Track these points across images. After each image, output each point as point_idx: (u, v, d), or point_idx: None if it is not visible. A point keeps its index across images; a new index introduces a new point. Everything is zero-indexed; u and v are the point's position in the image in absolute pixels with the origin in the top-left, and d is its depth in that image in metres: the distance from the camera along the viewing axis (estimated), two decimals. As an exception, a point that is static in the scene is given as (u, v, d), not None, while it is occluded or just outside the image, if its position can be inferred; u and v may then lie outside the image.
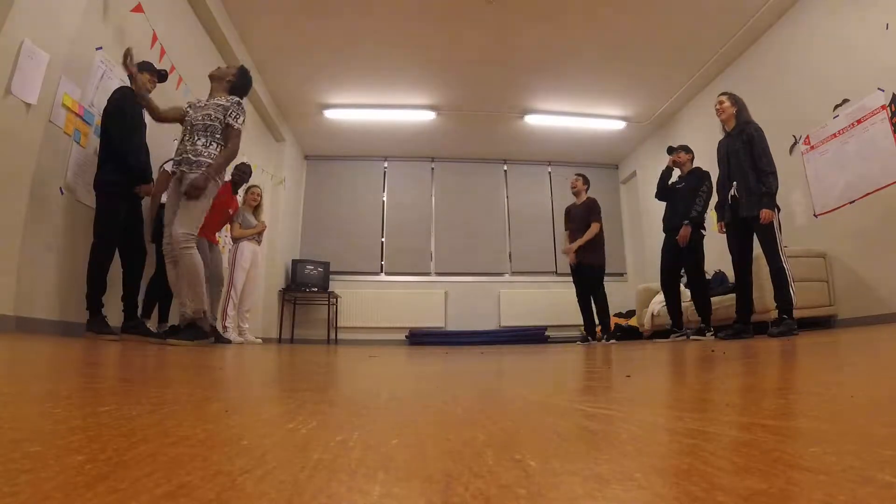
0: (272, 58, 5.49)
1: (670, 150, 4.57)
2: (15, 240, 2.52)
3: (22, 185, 2.56)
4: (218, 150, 2.99)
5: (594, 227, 4.91)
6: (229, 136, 3.03)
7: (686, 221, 4.12)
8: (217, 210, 4.39)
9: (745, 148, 3.40)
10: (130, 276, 3.15)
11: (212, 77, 3.23)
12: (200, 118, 3.01)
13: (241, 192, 4.98)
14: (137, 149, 3.03)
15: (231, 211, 4.62)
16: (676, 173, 4.51)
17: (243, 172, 4.68)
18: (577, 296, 5.01)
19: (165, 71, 3.48)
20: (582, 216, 5.02)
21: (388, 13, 4.79)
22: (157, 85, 3.39)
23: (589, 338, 4.94)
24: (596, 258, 4.90)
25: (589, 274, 4.90)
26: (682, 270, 4.32)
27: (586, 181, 5.17)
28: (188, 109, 3.11)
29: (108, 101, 3.03)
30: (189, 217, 2.83)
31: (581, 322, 5.18)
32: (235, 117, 3.06)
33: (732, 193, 3.49)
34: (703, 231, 4.22)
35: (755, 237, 3.41)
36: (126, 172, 2.97)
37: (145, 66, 3.28)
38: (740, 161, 3.42)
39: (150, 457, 0.32)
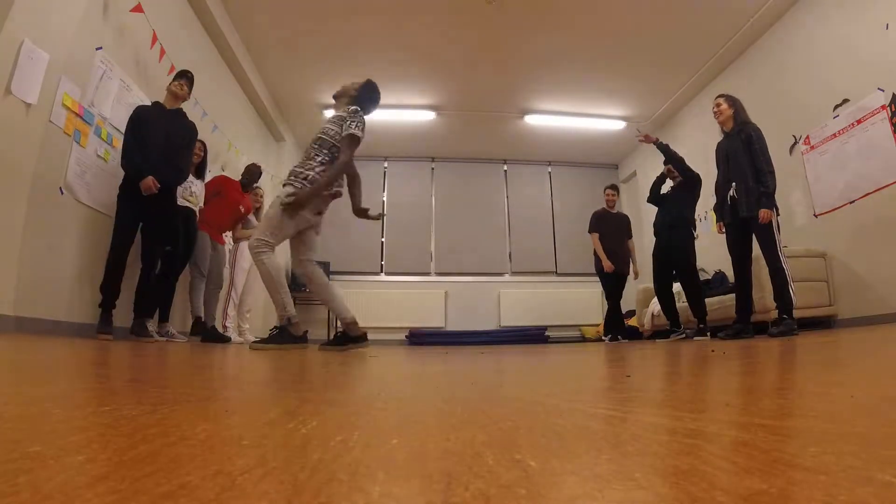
0: (272, 57, 5.49)
1: (667, 162, 4.78)
2: (15, 240, 2.52)
3: (22, 185, 2.56)
4: (321, 161, 2.78)
5: (633, 244, 5.34)
6: (344, 145, 2.78)
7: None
8: (230, 208, 4.41)
9: (744, 148, 3.41)
10: (142, 278, 3.28)
11: (336, 97, 3.03)
12: (316, 132, 2.87)
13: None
14: (132, 152, 3.09)
15: (243, 209, 4.64)
16: (668, 184, 4.79)
17: (252, 173, 4.69)
18: (609, 298, 5.24)
19: (184, 70, 3.52)
20: (617, 227, 5.30)
21: (388, 13, 4.79)
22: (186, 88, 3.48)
23: (619, 336, 5.09)
24: (628, 269, 5.25)
25: (620, 282, 5.19)
26: (675, 272, 4.51)
27: (618, 191, 5.56)
28: None
29: None
30: (267, 224, 2.72)
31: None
32: (355, 125, 2.78)
33: (731, 194, 3.49)
34: (694, 232, 4.45)
35: (754, 237, 3.42)
36: (126, 175, 3.09)
37: (174, 78, 3.43)
38: (739, 161, 3.43)
39: (150, 457, 0.32)
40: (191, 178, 3.92)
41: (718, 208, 3.67)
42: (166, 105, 3.35)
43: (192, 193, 3.93)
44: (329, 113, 6.54)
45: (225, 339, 4.21)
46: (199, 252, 4.07)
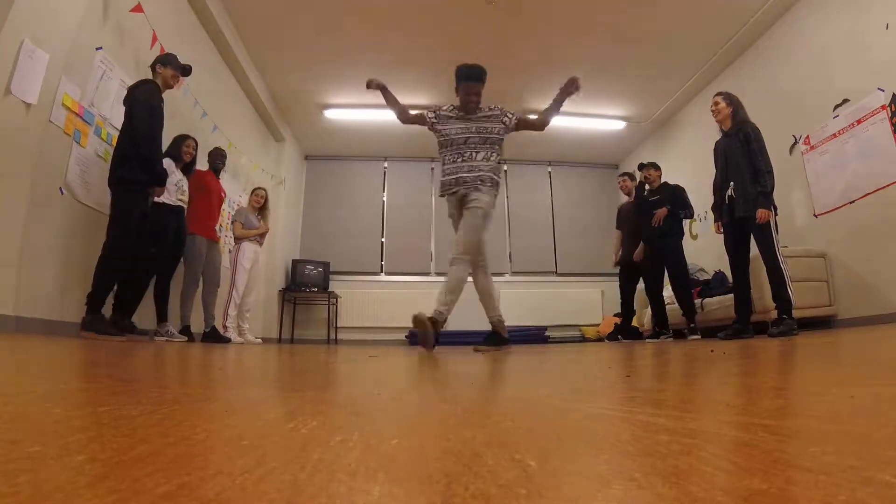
0: (272, 58, 5.49)
1: (641, 167, 4.86)
2: (15, 240, 2.52)
3: (22, 185, 2.56)
4: (496, 160, 3.03)
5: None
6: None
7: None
8: (214, 197, 4.28)
9: (743, 147, 3.38)
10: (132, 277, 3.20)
11: (474, 104, 3.14)
12: (475, 131, 3.05)
13: (237, 188, 4.94)
14: (158, 148, 3.07)
15: (224, 194, 4.51)
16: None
17: (218, 156, 4.44)
18: (622, 292, 5.04)
19: (189, 66, 3.44)
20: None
21: (388, 13, 4.79)
22: (182, 80, 3.46)
23: (619, 336, 5.05)
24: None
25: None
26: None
27: (633, 178, 5.19)
28: (433, 119, 3.14)
29: (134, 95, 3.01)
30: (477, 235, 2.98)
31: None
32: (511, 115, 3.14)
33: (729, 194, 3.48)
34: (681, 238, 4.53)
35: (752, 237, 3.42)
36: (149, 173, 3.01)
37: (169, 60, 3.30)
38: (737, 161, 3.41)
39: (150, 457, 0.32)
40: (180, 175, 3.80)
41: (717, 208, 3.67)
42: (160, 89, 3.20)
43: (182, 192, 3.84)
44: (329, 112, 6.61)
45: (225, 340, 4.21)
46: (192, 257, 3.97)
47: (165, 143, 3.89)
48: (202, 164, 4.42)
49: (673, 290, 4.51)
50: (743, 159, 3.38)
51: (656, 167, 4.80)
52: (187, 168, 3.91)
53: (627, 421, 0.47)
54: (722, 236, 3.65)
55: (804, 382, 0.86)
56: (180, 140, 3.79)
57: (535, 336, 6.90)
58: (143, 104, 2.98)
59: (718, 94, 3.65)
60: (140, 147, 2.93)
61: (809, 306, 3.92)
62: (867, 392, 0.65)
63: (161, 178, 3.16)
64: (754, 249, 3.42)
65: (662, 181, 4.76)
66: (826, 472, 0.27)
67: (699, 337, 4.11)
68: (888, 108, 3.67)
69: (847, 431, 0.39)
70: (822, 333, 3.35)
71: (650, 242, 4.60)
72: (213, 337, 4.12)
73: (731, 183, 3.46)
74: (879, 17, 3.73)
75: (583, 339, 7.02)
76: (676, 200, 4.52)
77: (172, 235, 3.62)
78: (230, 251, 4.82)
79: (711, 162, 3.75)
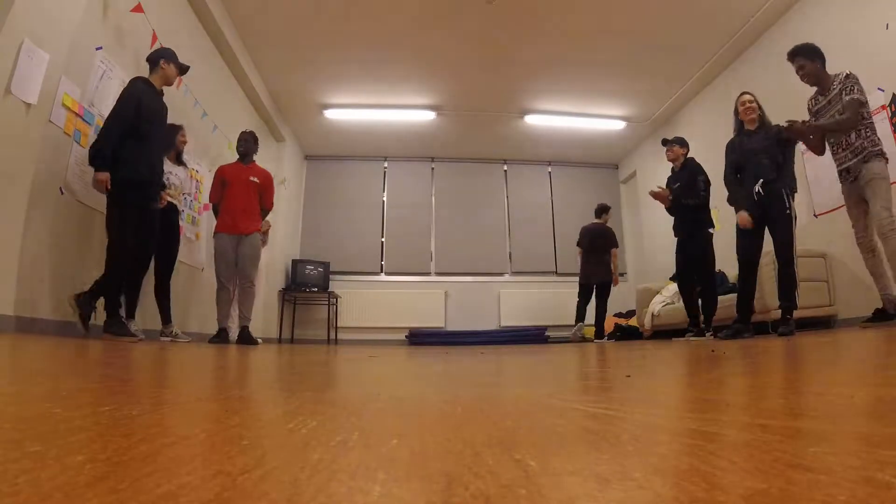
0: (272, 58, 5.49)
1: (665, 143, 4.53)
2: (15, 240, 2.52)
3: (22, 185, 2.56)
4: (866, 131, 3.14)
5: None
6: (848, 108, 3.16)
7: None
8: (241, 187, 3.99)
9: (777, 146, 3.47)
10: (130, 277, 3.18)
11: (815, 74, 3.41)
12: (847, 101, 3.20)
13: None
14: (113, 140, 2.82)
15: (258, 179, 4.08)
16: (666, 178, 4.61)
17: (246, 141, 4.16)
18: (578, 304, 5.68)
19: (188, 66, 3.36)
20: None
21: (389, 13, 4.79)
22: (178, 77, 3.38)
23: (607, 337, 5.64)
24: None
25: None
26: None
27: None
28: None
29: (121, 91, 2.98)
30: (884, 198, 2.95)
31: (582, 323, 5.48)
32: (849, 90, 3.21)
33: (757, 190, 3.43)
34: (710, 230, 4.22)
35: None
36: (98, 160, 2.80)
37: (172, 57, 3.23)
38: (775, 158, 3.47)
39: (150, 457, 0.32)
40: (171, 167, 3.66)
41: (734, 201, 3.58)
42: (157, 87, 3.15)
43: (171, 185, 3.63)
44: (329, 112, 6.62)
45: (254, 342, 3.92)
46: (214, 257, 3.95)
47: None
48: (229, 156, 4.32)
49: (699, 284, 4.24)
50: (773, 158, 3.43)
51: (682, 143, 4.39)
52: (179, 157, 3.82)
53: (627, 421, 0.47)
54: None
55: (804, 382, 0.86)
56: (173, 130, 3.61)
57: (534, 336, 6.91)
58: (121, 98, 2.92)
59: (749, 93, 3.70)
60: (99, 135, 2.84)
61: (809, 306, 3.92)
62: (867, 392, 0.65)
63: (96, 163, 2.83)
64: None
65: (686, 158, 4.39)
66: (826, 472, 0.27)
67: (710, 337, 3.98)
68: (888, 108, 3.67)
69: (847, 431, 0.39)
70: (822, 333, 3.35)
71: (682, 235, 4.29)
72: (246, 339, 3.84)
73: (762, 179, 3.42)
74: (879, 17, 3.73)
75: (583, 340, 7.01)
76: (689, 183, 4.20)
77: (166, 231, 3.49)
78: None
79: (711, 161, 3.75)
